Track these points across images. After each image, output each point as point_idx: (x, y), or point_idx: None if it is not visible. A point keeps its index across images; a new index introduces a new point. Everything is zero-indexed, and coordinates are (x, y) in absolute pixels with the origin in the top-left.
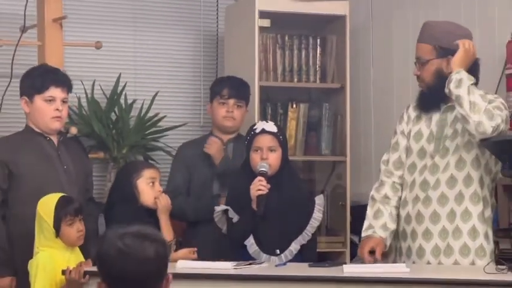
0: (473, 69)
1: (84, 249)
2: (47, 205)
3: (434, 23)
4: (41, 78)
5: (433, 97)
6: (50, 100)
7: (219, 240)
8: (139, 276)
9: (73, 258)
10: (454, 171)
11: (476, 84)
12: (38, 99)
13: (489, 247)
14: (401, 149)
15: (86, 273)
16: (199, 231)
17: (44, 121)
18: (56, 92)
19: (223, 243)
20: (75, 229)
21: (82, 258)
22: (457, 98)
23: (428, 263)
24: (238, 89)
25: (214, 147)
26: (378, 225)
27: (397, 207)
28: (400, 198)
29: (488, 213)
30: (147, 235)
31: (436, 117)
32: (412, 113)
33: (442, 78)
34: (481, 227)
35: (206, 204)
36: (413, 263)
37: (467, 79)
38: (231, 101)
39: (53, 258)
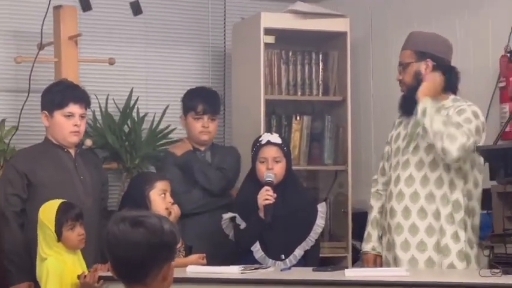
0: (451, 79)
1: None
2: (48, 211)
3: (417, 33)
4: (61, 95)
5: (413, 98)
6: (68, 116)
7: (215, 232)
8: (130, 260)
9: (78, 261)
10: (427, 171)
11: (455, 92)
12: (58, 115)
13: (457, 247)
14: (386, 157)
15: (100, 278)
16: (195, 222)
17: (63, 135)
18: (74, 108)
19: (219, 236)
20: (76, 233)
21: (83, 262)
22: (423, 128)
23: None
24: (211, 103)
25: None
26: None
27: (380, 213)
28: (382, 205)
29: (460, 216)
30: (143, 222)
31: (413, 119)
32: (397, 120)
33: (420, 80)
34: (448, 227)
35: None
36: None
37: (430, 107)
38: (206, 117)
39: (61, 263)
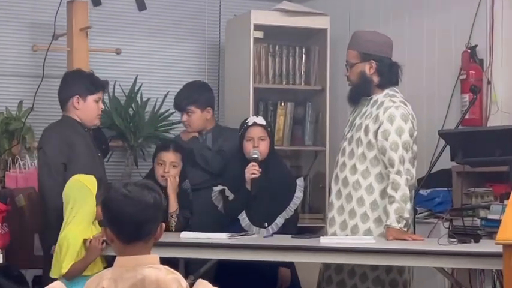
0: (390, 75)
1: None
2: (93, 183)
3: (360, 33)
4: (94, 82)
5: (358, 93)
6: (97, 101)
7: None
8: (138, 218)
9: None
10: (357, 162)
11: (397, 84)
12: (90, 99)
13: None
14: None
15: (103, 241)
16: (200, 195)
17: (92, 117)
18: (101, 95)
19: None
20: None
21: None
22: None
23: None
24: (181, 102)
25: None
26: None
27: None
28: None
29: (384, 203)
30: (147, 184)
31: (357, 110)
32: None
33: (365, 78)
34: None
35: None
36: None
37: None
38: (183, 113)
39: (81, 236)
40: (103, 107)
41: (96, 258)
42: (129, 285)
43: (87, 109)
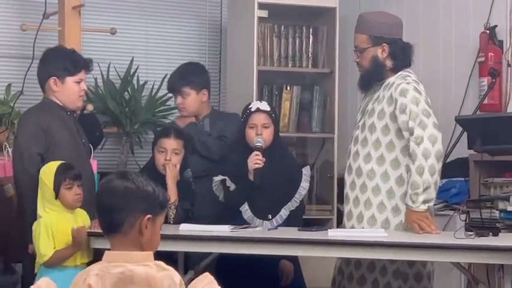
0: (404, 58)
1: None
2: (48, 171)
3: (368, 15)
4: (73, 62)
5: (370, 79)
6: (79, 82)
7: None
8: (104, 206)
9: (74, 220)
10: (371, 149)
11: (409, 66)
12: (70, 81)
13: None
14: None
15: (90, 234)
16: (201, 185)
17: (73, 99)
18: (83, 75)
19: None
20: (73, 192)
21: (81, 222)
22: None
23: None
24: (175, 83)
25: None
26: None
27: None
28: None
29: (402, 191)
30: (127, 175)
31: (369, 95)
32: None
33: (377, 63)
34: (388, 202)
35: None
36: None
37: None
38: (177, 95)
39: (55, 220)
40: (85, 88)
41: (80, 249)
42: (117, 281)
43: (67, 91)
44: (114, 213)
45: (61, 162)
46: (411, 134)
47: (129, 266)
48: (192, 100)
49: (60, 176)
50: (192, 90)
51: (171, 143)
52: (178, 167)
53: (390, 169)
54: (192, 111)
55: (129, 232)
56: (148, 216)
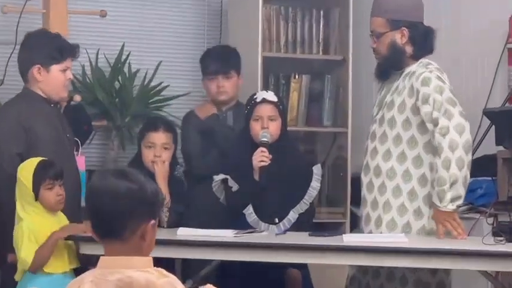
0: (425, 44)
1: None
2: (26, 169)
3: None
4: (59, 49)
5: (389, 67)
6: (65, 70)
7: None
8: (110, 211)
9: (58, 223)
10: (391, 145)
11: (431, 52)
12: (55, 69)
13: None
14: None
15: (70, 237)
16: (201, 191)
17: (57, 89)
18: (70, 63)
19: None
20: (55, 193)
21: (65, 224)
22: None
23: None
24: (222, 61)
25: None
26: None
27: None
28: None
29: (425, 192)
30: (127, 174)
31: (386, 86)
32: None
33: (396, 49)
34: (409, 204)
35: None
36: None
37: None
38: (219, 76)
39: (36, 224)
40: (71, 76)
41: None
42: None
43: (52, 81)
44: (115, 218)
45: (41, 159)
46: (435, 125)
47: (127, 272)
48: (234, 83)
49: (39, 176)
50: (235, 73)
51: (160, 137)
52: (167, 163)
53: (412, 167)
54: (232, 96)
55: (130, 237)
56: (153, 222)
